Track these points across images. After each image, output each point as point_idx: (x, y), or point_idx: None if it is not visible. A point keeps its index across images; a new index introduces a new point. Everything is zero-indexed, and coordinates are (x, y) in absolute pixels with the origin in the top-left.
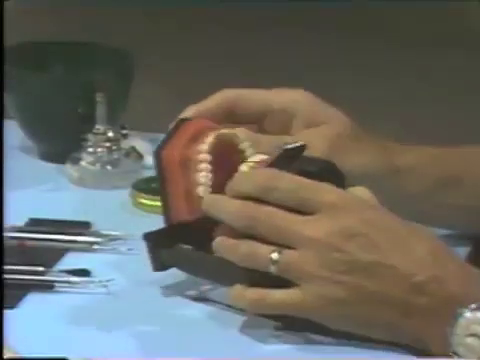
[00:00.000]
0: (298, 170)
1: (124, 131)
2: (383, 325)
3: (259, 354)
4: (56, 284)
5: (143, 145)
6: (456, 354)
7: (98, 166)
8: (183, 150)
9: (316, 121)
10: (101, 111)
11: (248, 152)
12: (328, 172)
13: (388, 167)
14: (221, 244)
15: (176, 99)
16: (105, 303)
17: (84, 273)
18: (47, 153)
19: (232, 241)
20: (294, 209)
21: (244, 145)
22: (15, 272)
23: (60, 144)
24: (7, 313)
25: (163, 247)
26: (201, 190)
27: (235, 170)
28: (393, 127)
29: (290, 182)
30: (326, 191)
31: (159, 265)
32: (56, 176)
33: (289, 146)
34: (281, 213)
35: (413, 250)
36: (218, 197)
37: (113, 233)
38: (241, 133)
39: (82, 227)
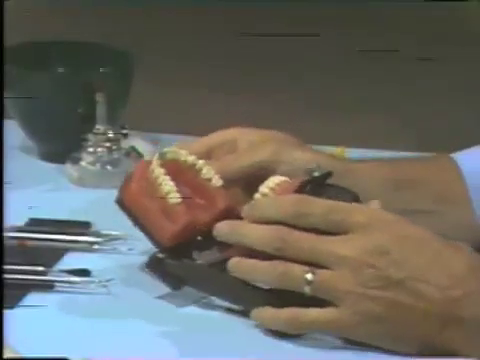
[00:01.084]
0: (334, 199)
1: (124, 131)
2: (419, 339)
3: (259, 354)
4: (56, 284)
5: (143, 145)
6: None
7: (98, 166)
8: (137, 183)
9: (259, 137)
10: (101, 111)
11: (198, 165)
12: (356, 202)
13: (340, 167)
14: (243, 265)
15: (176, 99)
16: (105, 303)
17: (84, 273)
18: (47, 153)
19: (263, 263)
20: (325, 232)
21: (191, 159)
22: (15, 272)
23: (60, 144)
24: (7, 313)
25: (178, 262)
26: (171, 197)
27: (195, 183)
28: (393, 127)
29: (321, 206)
30: (356, 211)
31: (176, 282)
32: (56, 176)
33: (316, 173)
34: (313, 235)
35: (448, 265)
36: (239, 223)
37: (113, 233)
38: (183, 149)
39: (82, 227)
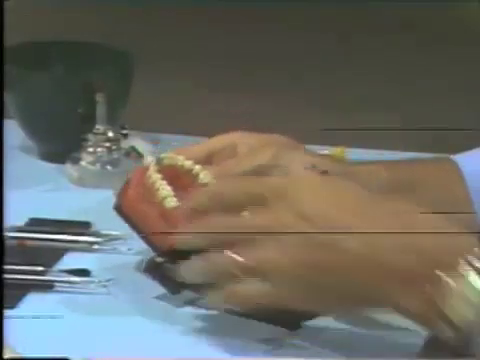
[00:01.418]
0: None
1: (124, 131)
2: (353, 295)
3: (259, 354)
4: (56, 284)
5: (143, 145)
6: (442, 316)
7: (98, 166)
8: (135, 189)
9: (259, 141)
10: (101, 111)
11: (195, 170)
12: None
13: (339, 169)
14: (185, 273)
15: (176, 99)
16: (105, 303)
17: (84, 273)
18: (47, 153)
19: (195, 262)
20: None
21: (188, 164)
22: (15, 272)
23: (60, 144)
24: (7, 313)
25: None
26: (168, 201)
27: (192, 188)
28: (393, 126)
29: (239, 184)
30: (271, 181)
31: (174, 286)
32: (56, 176)
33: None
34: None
35: (373, 217)
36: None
37: (113, 233)
38: (181, 154)
39: (82, 227)
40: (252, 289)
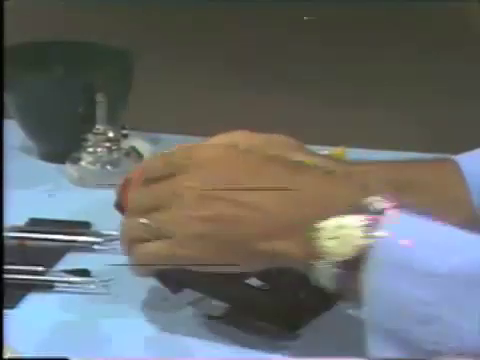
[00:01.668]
0: None
1: (124, 131)
2: (243, 254)
3: (259, 353)
4: (56, 284)
5: (143, 145)
6: (318, 258)
7: (98, 166)
8: (136, 187)
9: (261, 141)
10: (101, 111)
11: None
12: None
13: (341, 169)
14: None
15: (176, 99)
16: (105, 303)
17: (84, 273)
18: (47, 153)
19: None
20: None
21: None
22: (15, 272)
23: (60, 144)
24: (7, 313)
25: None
26: None
27: None
28: (393, 127)
29: (161, 158)
30: (180, 151)
31: (175, 285)
32: (56, 176)
33: None
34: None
35: (265, 178)
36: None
37: (113, 233)
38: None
39: (82, 227)
40: (158, 248)
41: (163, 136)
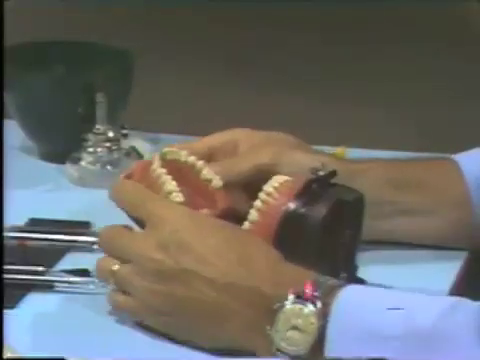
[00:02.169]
0: (336, 199)
1: (124, 131)
2: (203, 332)
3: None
4: (56, 284)
5: (143, 145)
6: (280, 351)
7: (98, 166)
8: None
9: (260, 139)
10: (101, 111)
11: (198, 166)
12: (360, 202)
13: (341, 167)
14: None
15: (176, 99)
16: (105, 303)
17: (84, 273)
18: (47, 153)
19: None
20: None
21: (191, 160)
22: (15, 272)
23: (60, 144)
24: (7, 313)
25: None
26: (173, 196)
27: (195, 184)
28: (392, 127)
29: (127, 204)
30: (154, 206)
31: None
32: (56, 176)
33: (321, 173)
34: (121, 231)
35: (222, 256)
36: None
37: None
38: (183, 149)
39: (82, 227)
40: (125, 301)
41: (163, 136)
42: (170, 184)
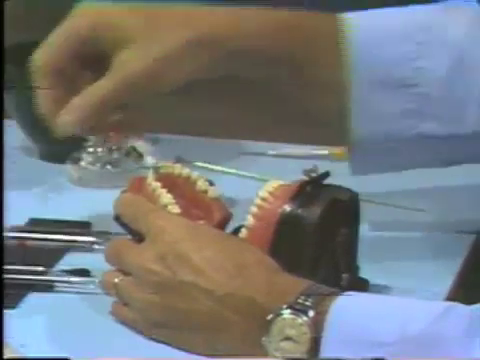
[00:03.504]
0: (330, 198)
1: None
2: (201, 342)
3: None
4: (56, 284)
5: (143, 145)
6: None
7: (98, 166)
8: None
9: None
10: None
11: (193, 177)
12: (355, 201)
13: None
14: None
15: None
16: (105, 303)
17: (84, 273)
18: (47, 153)
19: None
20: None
21: (185, 172)
22: (15, 272)
23: (60, 144)
24: (7, 313)
25: None
26: (170, 209)
27: (191, 196)
28: None
29: (127, 216)
30: (152, 218)
31: None
32: (56, 176)
33: (314, 174)
34: (124, 244)
35: (218, 267)
36: None
37: (113, 233)
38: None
39: (82, 227)
40: (126, 314)
41: (163, 136)
42: (166, 197)
